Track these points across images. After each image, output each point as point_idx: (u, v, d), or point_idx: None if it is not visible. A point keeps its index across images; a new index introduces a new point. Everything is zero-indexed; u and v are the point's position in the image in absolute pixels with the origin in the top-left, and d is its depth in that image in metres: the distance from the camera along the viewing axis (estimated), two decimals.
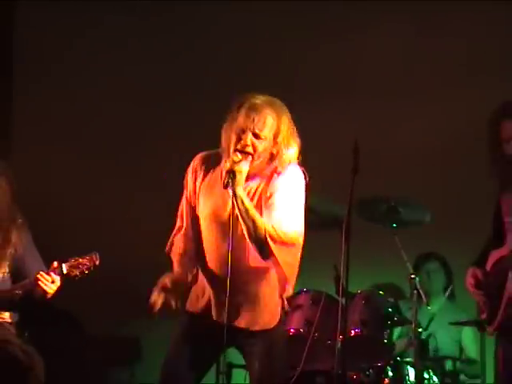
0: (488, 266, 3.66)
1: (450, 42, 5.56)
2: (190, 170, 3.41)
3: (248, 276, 3.28)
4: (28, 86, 5.90)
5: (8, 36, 6.03)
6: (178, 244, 3.42)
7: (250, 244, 3.22)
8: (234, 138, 3.22)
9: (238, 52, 5.79)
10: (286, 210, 3.24)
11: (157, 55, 5.86)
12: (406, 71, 5.66)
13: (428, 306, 4.80)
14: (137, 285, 5.19)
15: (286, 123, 3.26)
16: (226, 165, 3.20)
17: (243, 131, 3.21)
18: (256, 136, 3.22)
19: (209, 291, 3.34)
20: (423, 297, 4.68)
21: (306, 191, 3.33)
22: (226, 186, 3.18)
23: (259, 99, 3.24)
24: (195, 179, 3.39)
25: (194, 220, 3.38)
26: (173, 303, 3.29)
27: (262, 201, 3.26)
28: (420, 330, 4.71)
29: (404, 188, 5.16)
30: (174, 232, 3.46)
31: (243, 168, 3.19)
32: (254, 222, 3.18)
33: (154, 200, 5.64)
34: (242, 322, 3.30)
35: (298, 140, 3.30)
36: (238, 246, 3.24)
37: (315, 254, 4.69)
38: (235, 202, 3.19)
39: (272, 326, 3.33)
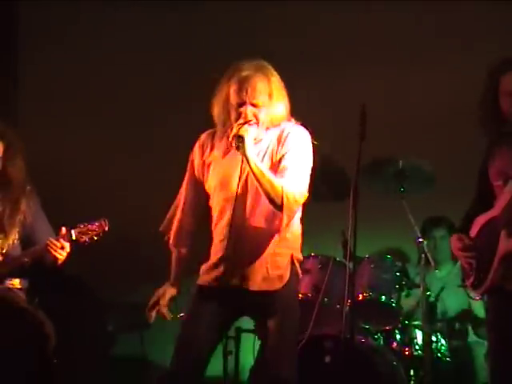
0: (473, 232, 3.65)
1: (456, 8, 5.55)
2: (196, 148, 3.54)
3: (257, 239, 3.38)
4: (34, 56, 5.92)
5: (13, 9, 6.04)
6: (172, 222, 3.61)
7: (269, 203, 3.31)
8: (234, 114, 3.36)
9: (244, 17, 5.79)
10: (296, 172, 3.36)
11: (168, 27, 5.86)
12: (412, 35, 5.66)
13: (436, 269, 4.83)
14: (148, 251, 5.25)
15: (277, 83, 3.41)
16: (233, 131, 3.30)
17: (241, 105, 3.34)
18: (254, 105, 3.35)
19: (219, 260, 3.44)
20: (431, 261, 4.70)
21: (313, 150, 3.46)
22: (238, 149, 3.30)
23: (246, 69, 3.37)
24: (202, 154, 3.52)
25: (201, 194, 3.51)
26: (166, 315, 3.57)
27: (274, 161, 3.38)
28: (428, 293, 4.74)
29: (413, 153, 5.14)
30: (170, 212, 3.62)
31: (250, 131, 3.30)
32: (269, 181, 3.29)
33: (167, 168, 5.68)
34: (251, 284, 3.38)
35: (286, 95, 3.44)
36: (249, 210, 3.36)
37: (323, 219, 4.84)
38: (248, 165, 3.28)
39: (282, 288, 3.40)
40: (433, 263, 4.70)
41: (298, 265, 3.48)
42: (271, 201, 3.33)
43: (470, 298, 4.10)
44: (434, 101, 5.41)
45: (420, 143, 5.32)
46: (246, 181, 3.36)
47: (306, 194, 3.42)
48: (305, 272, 4.60)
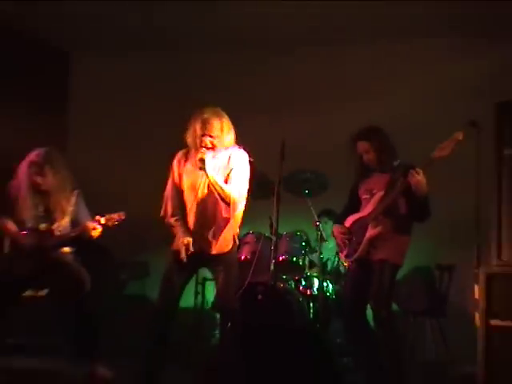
0: (347, 224, 4.63)
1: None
2: (175, 162, 4.49)
3: (215, 221, 4.41)
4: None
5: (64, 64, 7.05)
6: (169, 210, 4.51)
7: (221, 201, 4.29)
8: (198, 141, 4.36)
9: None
10: (239, 182, 4.37)
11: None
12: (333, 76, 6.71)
13: (326, 241, 5.88)
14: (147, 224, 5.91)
15: (227, 122, 4.39)
16: (198, 155, 4.33)
17: (202, 136, 4.33)
18: (211, 136, 4.35)
19: (189, 233, 4.42)
20: (324, 236, 5.81)
21: (250, 166, 4.45)
22: (201, 169, 4.29)
23: (207, 112, 4.33)
24: (179, 167, 4.48)
25: (180, 193, 4.47)
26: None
27: (225, 172, 4.41)
28: (321, 256, 5.84)
29: (317, 167, 5.96)
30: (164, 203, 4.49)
31: (207, 154, 4.32)
32: (221, 188, 4.30)
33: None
34: (210, 249, 4.43)
35: (233, 130, 4.38)
36: (209, 203, 4.41)
37: (258, 210, 5.56)
38: (208, 179, 4.29)
39: (228, 252, 4.45)
40: (325, 237, 5.81)
41: (236, 237, 4.45)
42: (223, 200, 4.29)
43: (342, 262, 5.16)
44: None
45: (322, 160, 6.09)
46: (208, 187, 4.32)
47: (245, 195, 4.40)
48: (245, 243, 5.78)
